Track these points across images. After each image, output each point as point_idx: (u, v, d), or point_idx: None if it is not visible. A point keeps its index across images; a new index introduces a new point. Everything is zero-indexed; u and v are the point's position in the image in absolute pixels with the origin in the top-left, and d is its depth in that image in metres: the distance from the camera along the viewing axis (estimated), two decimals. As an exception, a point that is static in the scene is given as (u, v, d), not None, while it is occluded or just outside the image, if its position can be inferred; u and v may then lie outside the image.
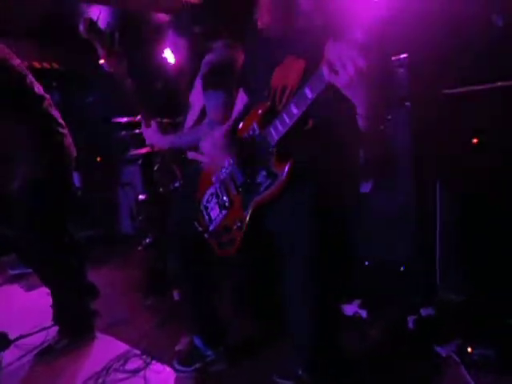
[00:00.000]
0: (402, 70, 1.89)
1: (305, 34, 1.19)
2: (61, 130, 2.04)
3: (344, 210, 1.27)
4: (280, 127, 1.20)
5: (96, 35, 1.61)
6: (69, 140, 2.09)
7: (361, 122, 1.08)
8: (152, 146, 1.97)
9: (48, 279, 2.17)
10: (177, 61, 2.00)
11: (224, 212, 1.42)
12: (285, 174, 1.19)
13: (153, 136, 1.84)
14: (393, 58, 1.99)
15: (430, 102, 1.90)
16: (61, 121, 2.07)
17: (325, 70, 0.97)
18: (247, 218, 1.31)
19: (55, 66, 4.30)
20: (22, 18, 3.55)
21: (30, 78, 1.96)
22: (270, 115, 1.24)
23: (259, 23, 1.28)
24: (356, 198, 1.37)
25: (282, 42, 1.27)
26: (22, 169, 1.94)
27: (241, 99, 1.53)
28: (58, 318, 2.19)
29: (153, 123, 1.82)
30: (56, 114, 2.05)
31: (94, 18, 1.60)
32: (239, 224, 1.34)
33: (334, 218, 1.23)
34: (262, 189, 1.26)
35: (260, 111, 1.30)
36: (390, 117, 1.16)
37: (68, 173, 2.10)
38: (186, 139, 1.78)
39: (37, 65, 4.10)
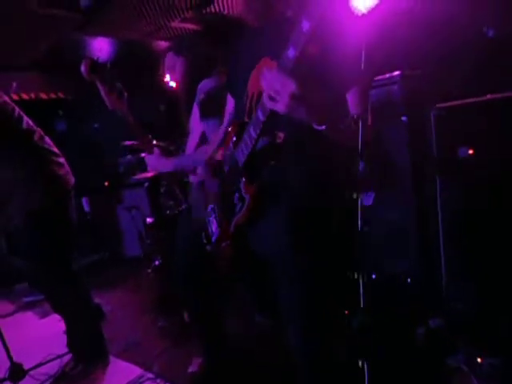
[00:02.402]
0: (395, 87, 1.95)
1: (279, 33, 1.14)
2: (55, 159, 2.06)
3: (330, 225, 1.22)
4: (244, 149, 1.18)
5: (97, 75, 1.63)
6: (65, 169, 2.11)
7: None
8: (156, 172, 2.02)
9: (59, 306, 2.22)
10: (172, 81, 2.05)
11: (219, 228, 1.42)
12: (250, 197, 1.17)
13: (157, 161, 1.85)
14: (387, 76, 2.05)
15: (424, 116, 1.95)
16: (55, 150, 2.09)
17: (265, 99, 0.98)
18: (232, 238, 1.32)
19: (61, 95, 4.45)
20: (28, 52, 3.70)
21: (17, 113, 1.98)
22: (243, 131, 1.20)
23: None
24: (345, 211, 1.30)
25: (258, 43, 1.25)
26: (18, 204, 1.96)
27: (230, 104, 1.53)
28: (72, 344, 2.22)
29: (155, 150, 1.84)
30: (49, 144, 2.08)
31: (95, 57, 1.64)
32: (228, 242, 1.34)
33: (318, 234, 1.19)
34: (236, 210, 1.25)
35: (233, 130, 1.27)
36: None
37: (65, 201, 2.10)
38: (187, 162, 1.83)
39: (44, 96, 4.24)
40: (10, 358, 1.99)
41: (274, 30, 1.20)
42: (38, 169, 2.00)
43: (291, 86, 0.90)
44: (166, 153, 1.86)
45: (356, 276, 1.37)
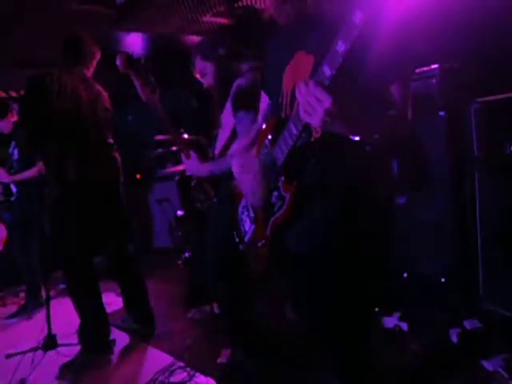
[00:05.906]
0: (433, 81, 1.88)
1: (313, 26, 1.14)
2: None
3: (371, 227, 1.18)
4: (284, 146, 1.16)
5: (132, 68, 1.73)
6: None
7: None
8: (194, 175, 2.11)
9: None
10: (206, 85, 2.08)
11: (253, 226, 1.39)
12: (291, 196, 1.14)
13: (193, 166, 1.92)
14: (425, 69, 1.99)
15: (464, 110, 1.88)
16: None
17: (300, 112, 0.97)
18: (269, 237, 1.28)
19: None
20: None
21: None
22: (280, 129, 1.19)
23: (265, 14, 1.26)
24: (384, 214, 1.24)
25: (290, 39, 1.22)
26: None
27: (265, 102, 1.51)
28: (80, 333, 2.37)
29: (192, 154, 1.90)
30: None
31: (130, 51, 1.73)
32: (264, 241, 1.31)
33: (357, 237, 1.15)
34: (275, 210, 1.22)
35: (269, 128, 1.26)
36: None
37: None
38: (221, 166, 1.84)
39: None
40: (49, 328, 2.28)
41: (306, 23, 1.17)
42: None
43: (327, 102, 0.89)
44: (203, 157, 1.91)
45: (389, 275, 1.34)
